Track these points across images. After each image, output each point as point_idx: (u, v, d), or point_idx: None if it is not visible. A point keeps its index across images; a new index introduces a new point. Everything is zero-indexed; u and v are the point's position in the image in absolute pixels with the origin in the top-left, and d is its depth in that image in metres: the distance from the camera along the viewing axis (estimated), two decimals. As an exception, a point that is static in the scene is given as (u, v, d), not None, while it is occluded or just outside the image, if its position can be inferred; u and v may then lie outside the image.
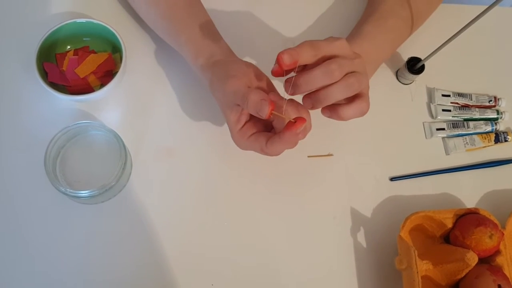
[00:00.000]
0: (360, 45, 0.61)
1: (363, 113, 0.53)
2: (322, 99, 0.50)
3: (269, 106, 0.49)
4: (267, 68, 0.57)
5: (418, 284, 0.55)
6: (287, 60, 0.49)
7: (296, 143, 0.54)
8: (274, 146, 0.53)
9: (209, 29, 0.63)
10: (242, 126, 0.55)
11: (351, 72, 0.51)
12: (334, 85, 0.50)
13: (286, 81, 0.51)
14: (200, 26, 0.62)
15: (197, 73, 0.62)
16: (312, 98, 0.51)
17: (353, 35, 0.63)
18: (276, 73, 0.52)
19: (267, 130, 0.57)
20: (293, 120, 0.51)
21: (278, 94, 0.56)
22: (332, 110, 0.53)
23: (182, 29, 0.62)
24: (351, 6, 0.75)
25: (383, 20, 0.64)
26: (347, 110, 0.52)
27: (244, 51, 0.69)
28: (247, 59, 0.70)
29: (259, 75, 0.56)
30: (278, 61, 0.49)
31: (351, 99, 0.53)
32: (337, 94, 0.50)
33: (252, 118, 0.56)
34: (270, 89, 0.56)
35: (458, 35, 0.60)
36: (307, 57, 0.50)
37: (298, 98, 0.54)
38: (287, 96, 0.53)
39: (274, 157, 0.59)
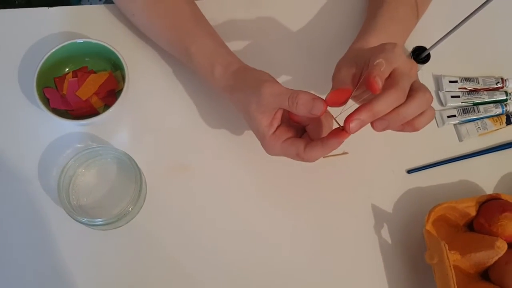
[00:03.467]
0: (377, 38, 0.59)
1: (433, 118, 0.52)
2: (402, 119, 0.48)
3: (324, 104, 0.48)
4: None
5: (452, 278, 0.55)
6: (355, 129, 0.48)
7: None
8: (314, 151, 0.51)
9: (218, 40, 0.61)
10: (275, 130, 0.54)
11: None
12: (408, 104, 0.48)
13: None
14: (209, 36, 0.60)
15: (210, 82, 0.60)
16: (387, 119, 0.48)
17: (367, 28, 0.61)
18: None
19: (298, 133, 0.56)
20: (340, 127, 0.49)
21: None
22: (405, 124, 0.51)
23: (190, 40, 0.60)
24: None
25: (394, 10, 0.62)
26: (422, 120, 0.50)
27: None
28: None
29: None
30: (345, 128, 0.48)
31: None
32: (415, 111, 0.49)
33: (283, 122, 0.55)
34: None
35: (466, 21, 0.59)
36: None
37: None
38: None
39: (290, 161, 0.58)
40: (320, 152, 0.52)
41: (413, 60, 0.52)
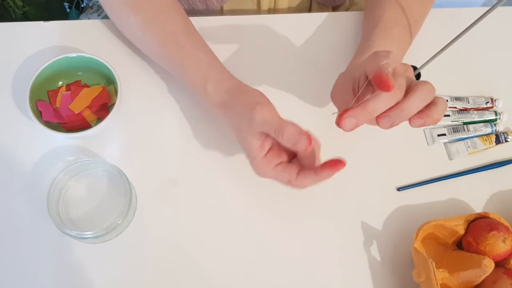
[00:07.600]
0: None
1: (446, 106, 0.52)
2: (406, 113, 0.48)
3: (308, 140, 0.48)
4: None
5: (439, 296, 0.55)
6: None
7: None
8: (306, 180, 0.51)
9: (211, 55, 0.62)
10: (266, 153, 0.54)
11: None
12: (409, 98, 0.48)
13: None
14: (202, 51, 0.61)
15: (203, 98, 0.60)
16: (391, 115, 0.48)
17: (363, 49, 0.62)
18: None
19: (289, 156, 0.56)
20: (336, 159, 0.50)
21: None
22: (424, 116, 0.50)
23: (184, 55, 0.61)
24: (344, 23, 0.75)
25: (389, 30, 0.63)
26: (437, 109, 0.50)
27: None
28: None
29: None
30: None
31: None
32: (418, 104, 0.49)
33: (275, 144, 0.55)
34: None
35: (455, 41, 0.60)
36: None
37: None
38: None
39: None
40: (313, 181, 0.52)
41: (407, 64, 0.52)
